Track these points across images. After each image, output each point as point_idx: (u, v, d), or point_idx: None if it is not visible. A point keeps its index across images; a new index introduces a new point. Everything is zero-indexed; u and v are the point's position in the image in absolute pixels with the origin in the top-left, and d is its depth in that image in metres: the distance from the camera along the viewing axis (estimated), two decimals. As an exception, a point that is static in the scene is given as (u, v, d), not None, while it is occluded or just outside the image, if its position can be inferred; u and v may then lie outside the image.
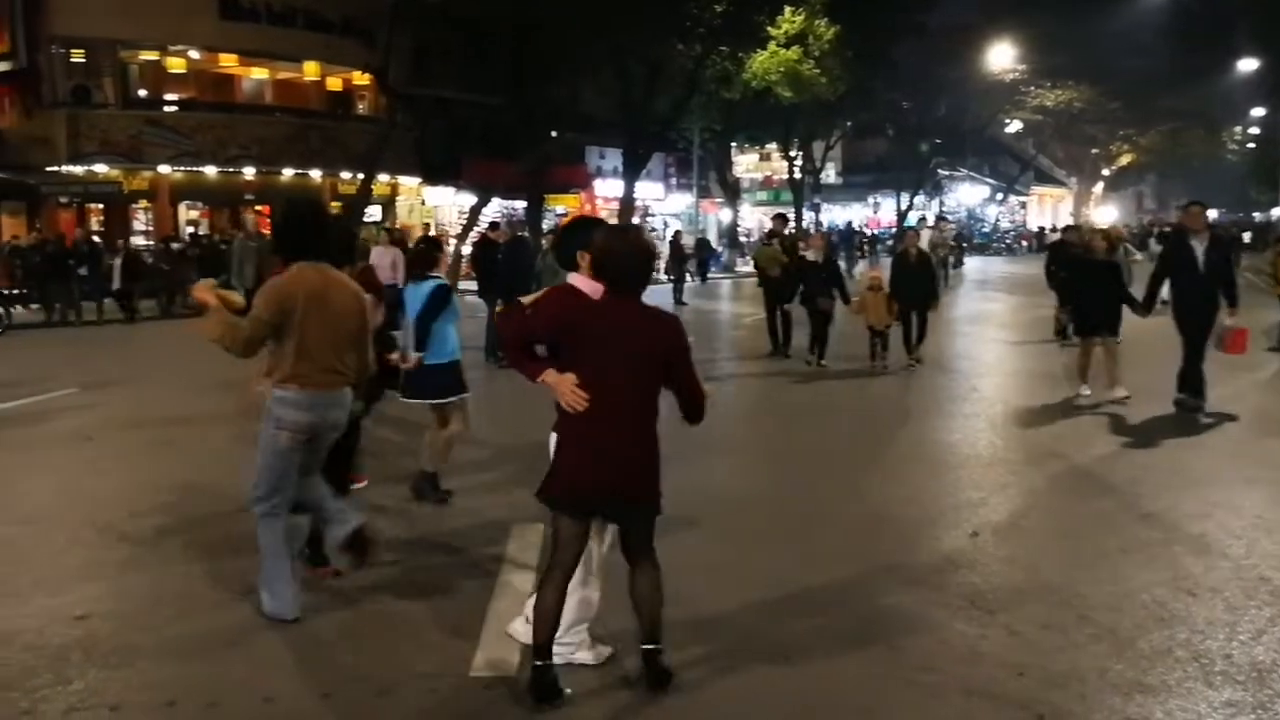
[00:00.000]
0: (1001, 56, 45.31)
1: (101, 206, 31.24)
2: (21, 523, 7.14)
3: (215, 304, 5.17)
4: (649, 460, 4.42)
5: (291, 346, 5.15)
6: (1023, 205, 71.21)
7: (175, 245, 28.05)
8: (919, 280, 14.18)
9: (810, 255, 14.88)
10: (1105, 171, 69.17)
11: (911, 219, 46.79)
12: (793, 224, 39.24)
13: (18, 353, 16.34)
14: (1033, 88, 51.09)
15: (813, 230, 34.52)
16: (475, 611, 5.32)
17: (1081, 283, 11.82)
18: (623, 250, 4.31)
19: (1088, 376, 11.44)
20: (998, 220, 64.23)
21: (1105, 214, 61.90)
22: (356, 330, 5.38)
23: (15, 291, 24.00)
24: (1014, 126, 59.94)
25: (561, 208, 42.39)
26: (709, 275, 38.23)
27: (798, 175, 48.18)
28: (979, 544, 6.47)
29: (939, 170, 57.98)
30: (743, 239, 47.60)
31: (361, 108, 37.53)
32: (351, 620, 5.32)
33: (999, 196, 65.31)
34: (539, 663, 4.31)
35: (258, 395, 5.41)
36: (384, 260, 16.00)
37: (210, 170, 31.68)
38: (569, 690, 4.36)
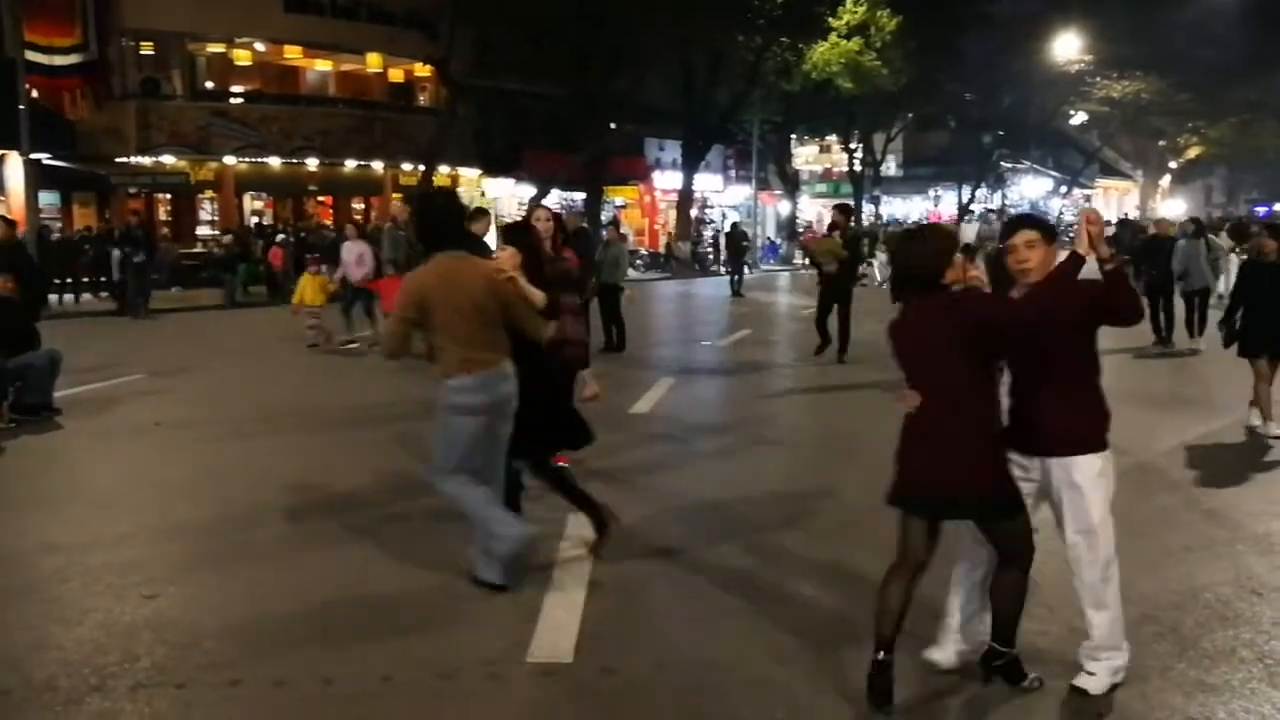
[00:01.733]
0: (1067, 47, 44.53)
1: (169, 197, 31.80)
2: (93, 505, 7.31)
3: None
4: (964, 457, 4.09)
5: (445, 338, 5.34)
6: (1087, 198, 70.05)
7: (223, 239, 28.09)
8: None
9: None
10: (1172, 164, 67.86)
11: (976, 211, 46.28)
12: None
13: (88, 340, 16.67)
14: (1099, 79, 50.16)
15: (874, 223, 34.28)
16: (533, 598, 5.36)
17: (1251, 291, 9.75)
18: (902, 254, 4.32)
19: (1270, 409, 9.53)
20: (1061, 213, 63.33)
21: (1173, 207, 60.69)
22: (491, 309, 5.41)
23: (86, 279, 24.56)
24: (1079, 118, 58.89)
25: (620, 199, 42.47)
26: (766, 268, 38.23)
27: (858, 168, 47.84)
28: (1039, 540, 6.40)
29: (1001, 163, 57.22)
30: (800, 231, 47.38)
31: (423, 99, 37.84)
32: (412, 604, 5.39)
33: (1063, 189, 64.32)
34: (878, 658, 4.17)
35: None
36: (351, 255, 15.68)
37: (274, 161, 32.12)
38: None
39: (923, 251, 4.20)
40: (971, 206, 50.14)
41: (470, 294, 5.36)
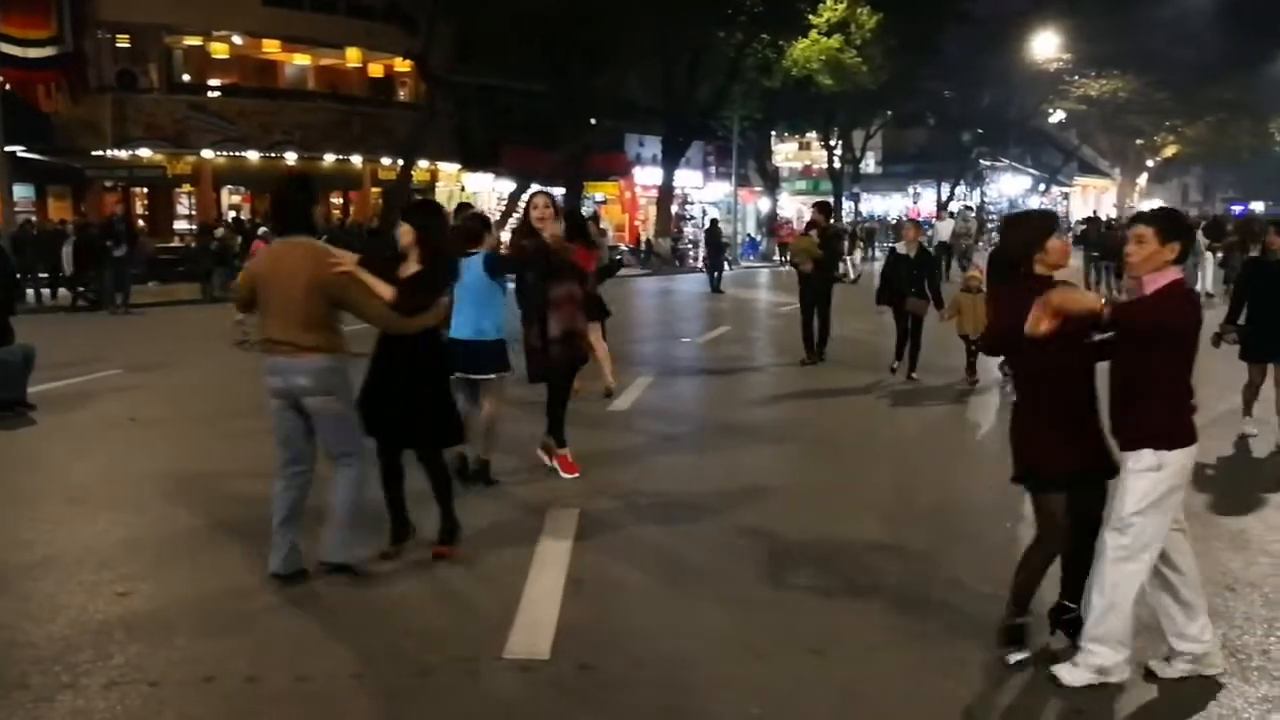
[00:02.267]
0: (1046, 45, 44.79)
1: (146, 191, 31.60)
2: (67, 501, 7.25)
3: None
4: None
5: (261, 319, 5.55)
6: (1065, 196, 70.48)
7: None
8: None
9: (901, 248, 12.95)
10: (1150, 163, 68.33)
11: (952, 209, 46.43)
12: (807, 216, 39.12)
13: (65, 334, 16.55)
14: (1077, 77, 50.48)
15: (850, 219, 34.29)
16: (510, 594, 5.34)
17: (1258, 292, 9.16)
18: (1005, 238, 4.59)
19: (1253, 409, 9.28)
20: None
21: (1150, 205, 61.10)
22: (314, 298, 5.41)
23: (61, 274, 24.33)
24: (1057, 117, 59.24)
25: (600, 195, 42.44)
26: (746, 265, 38.31)
27: (837, 165, 47.93)
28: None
29: (980, 160, 57.48)
30: (780, 225, 47.48)
31: (403, 94, 37.73)
32: (387, 601, 5.36)
33: (1041, 187, 64.65)
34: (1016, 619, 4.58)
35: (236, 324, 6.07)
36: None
37: (253, 155, 31.97)
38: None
39: (1013, 239, 4.55)
40: (950, 205, 50.30)
41: (294, 279, 5.39)
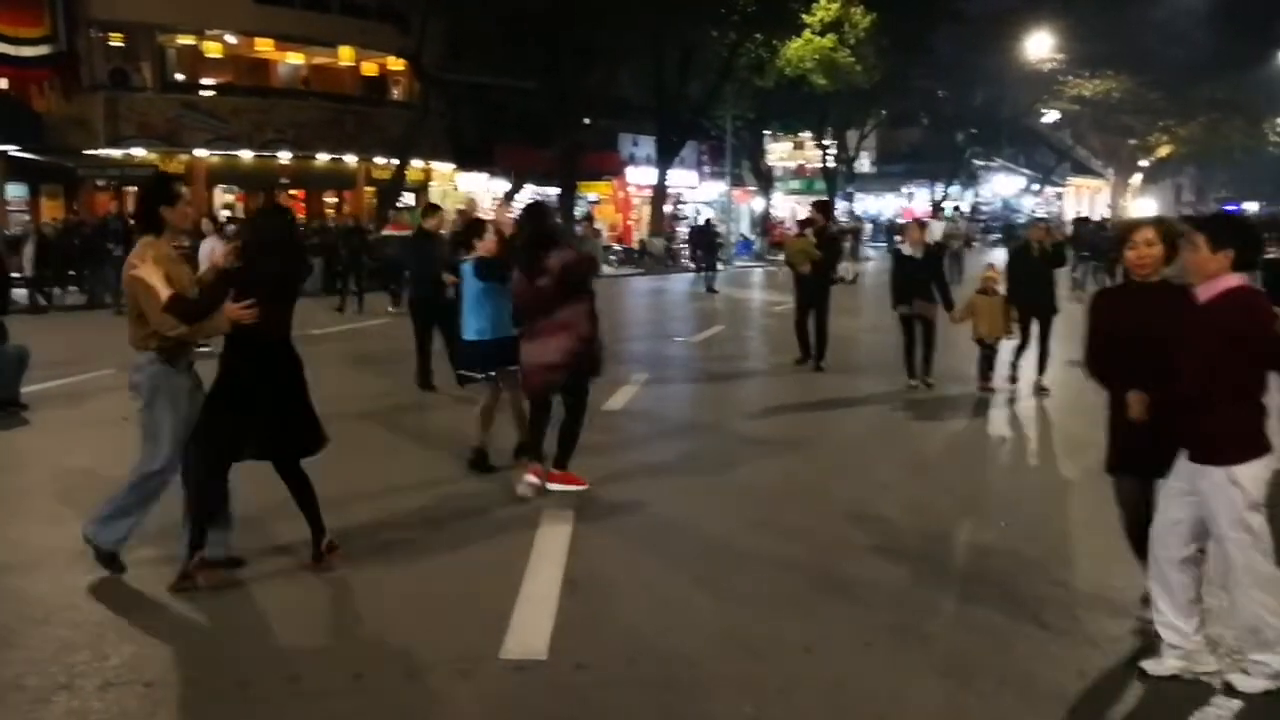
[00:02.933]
0: (1039, 45, 44.80)
1: (138, 189, 31.53)
2: (60, 501, 7.24)
3: None
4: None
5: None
6: (1059, 196, 70.54)
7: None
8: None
9: (906, 249, 12.14)
10: (1143, 163, 68.36)
11: (946, 209, 46.50)
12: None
13: (57, 335, 16.50)
14: (1070, 77, 50.48)
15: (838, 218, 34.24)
16: (506, 594, 5.34)
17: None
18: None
19: None
20: (1033, 211, 63.69)
21: (1143, 206, 61.15)
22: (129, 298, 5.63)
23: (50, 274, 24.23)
24: (1051, 116, 59.24)
25: (594, 194, 42.42)
26: (740, 264, 38.35)
27: (831, 164, 47.96)
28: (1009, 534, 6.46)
29: (974, 160, 57.57)
30: (775, 225, 47.52)
31: (396, 93, 37.67)
32: (381, 602, 5.36)
33: (1035, 187, 64.73)
34: None
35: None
36: (206, 251, 14.09)
37: (246, 154, 31.91)
38: None
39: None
40: (943, 204, 50.36)
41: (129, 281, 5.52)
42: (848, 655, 4.74)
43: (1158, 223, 4.87)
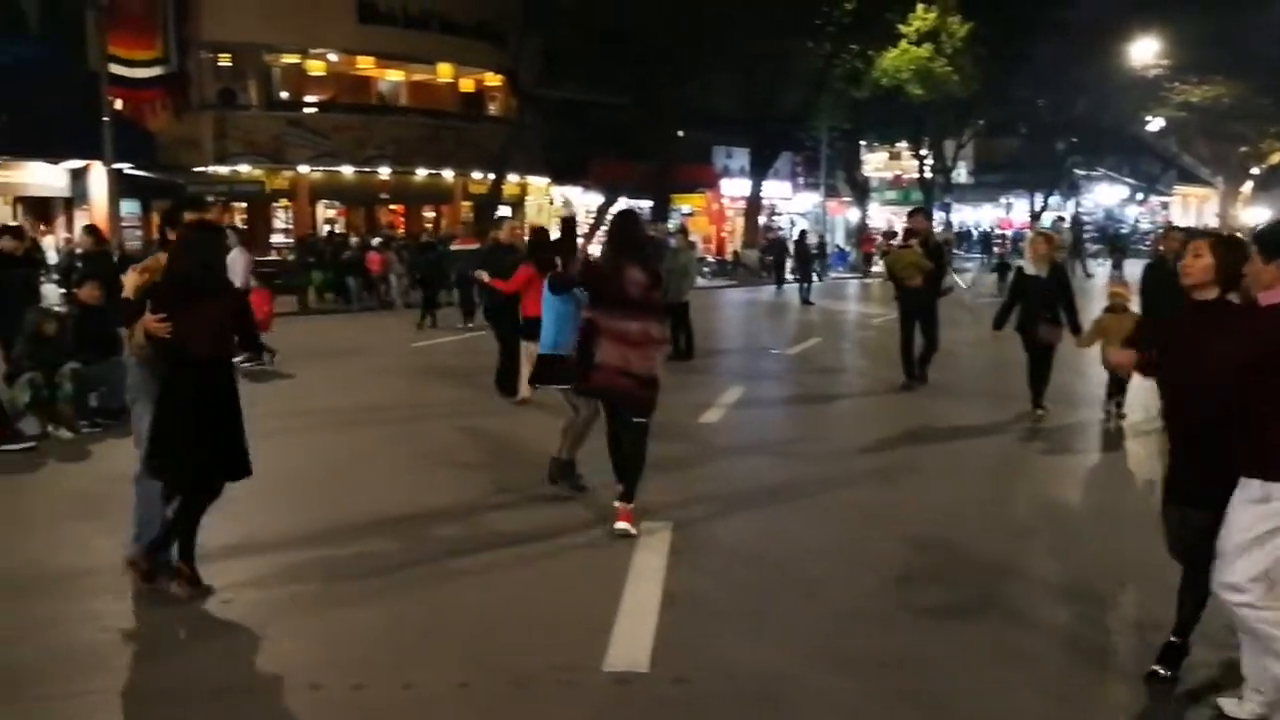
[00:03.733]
0: (1144, 51, 43.74)
1: (245, 205, 32.41)
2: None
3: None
4: None
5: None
6: (1164, 205, 68.73)
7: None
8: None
9: (1029, 267, 10.89)
10: (1254, 170, 66.29)
11: (1045, 220, 45.59)
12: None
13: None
14: (1177, 83, 49.20)
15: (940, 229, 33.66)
16: (606, 607, 5.38)
17: None
18: None
19: None
20: (1137, 221, 62.17)
21: (1255, 215, 59.32)
22: None
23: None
24: (1156, 124, 57.79)
25: (687, 207, 42.51)
26: (835, 276, 38.12)
27: (928, 174, 47.43)
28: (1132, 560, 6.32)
29: (1075, 170, 56.37)
30: (875, 236, 47.06)
31: (493, 109, 38.20)
32: (487, 610, 5.44)
33: (1139, 197, 63.15)
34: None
35: None
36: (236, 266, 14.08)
37: (347, 170, 32.62)
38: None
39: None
40: (1041, 214, 49.43)
41: None
42: (947, 674, 4.68)
43: (1211, 236, 4.68)
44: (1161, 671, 4.43)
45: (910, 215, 13.91)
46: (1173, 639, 4.48)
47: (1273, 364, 3.98)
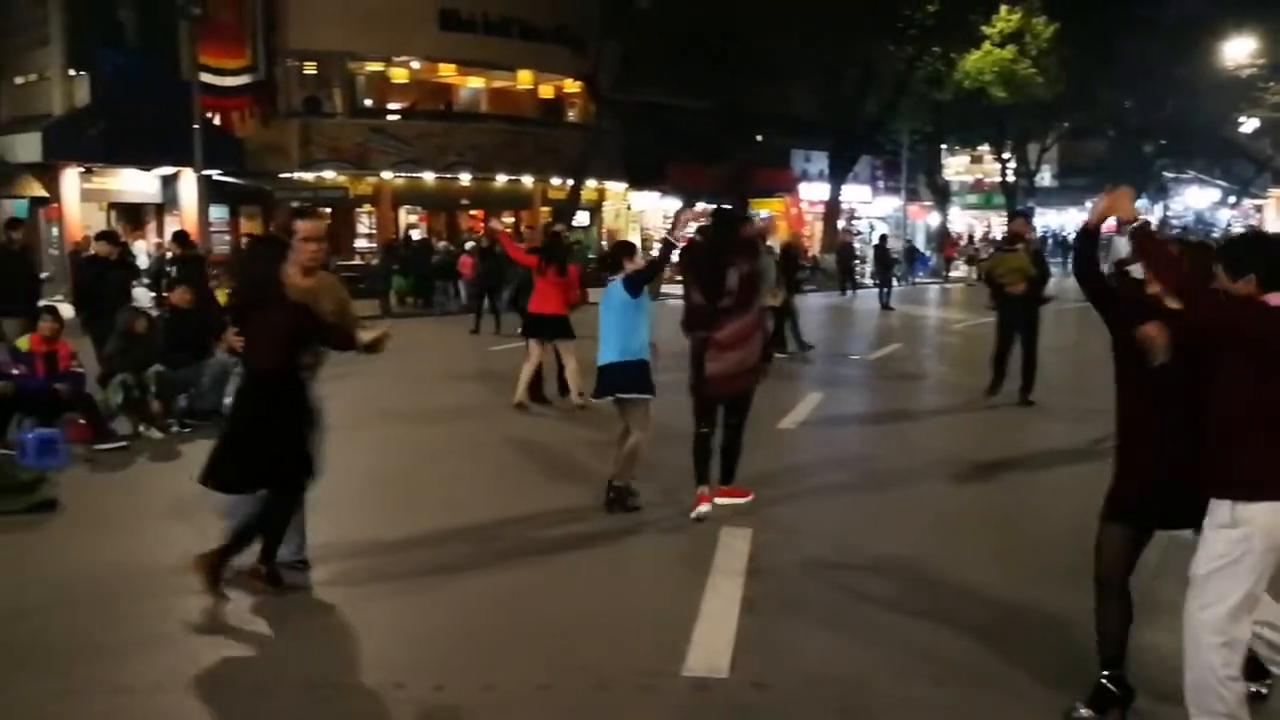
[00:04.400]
0: (1238, 50, 42.58)
1: (329, 210, 32.96)
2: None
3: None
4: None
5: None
6: (1258, 209, 66.88)
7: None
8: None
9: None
10: (1355, 173, 64.22)
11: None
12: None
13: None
14: (1272, 83, 47.84)
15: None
16: (686, 611, 5.38)
17: None
18: None
19: None
20: (1229, 225, 60.56)
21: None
22: None
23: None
24: (1250, 125, 56.24)
25: (766, 211, 42.31)
26: (916, 280, 37.70)
27: (1010, 178, 46.69)
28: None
29: (1164, 173, 55.11)
30: (960, 240, 46.49)
31: (572, 114, 38.38)
32: (566, 613, 5.47)
33: (1231, 200, 61.54)
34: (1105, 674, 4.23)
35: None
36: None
37: (429, 176, 32.99)
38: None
39: None
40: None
41: None
42: (1033, 687, 4.59)
43: (1183, 244, 4.44)
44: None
45: (1011, 218, 13.33)
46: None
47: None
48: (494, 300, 20.44)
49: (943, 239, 46.63)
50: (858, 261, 36.66)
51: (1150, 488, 4.12)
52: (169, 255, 14.96)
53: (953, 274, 42.45)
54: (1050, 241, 49.47)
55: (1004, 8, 35.61)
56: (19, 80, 29.01)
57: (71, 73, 27.36)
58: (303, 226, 5.72)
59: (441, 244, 28.76)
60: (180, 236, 15.68)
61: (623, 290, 7.34)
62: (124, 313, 10.85)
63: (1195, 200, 60.61)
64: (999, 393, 11.98)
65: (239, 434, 5.69)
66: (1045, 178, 51.72)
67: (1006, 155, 46.05)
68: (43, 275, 16.26)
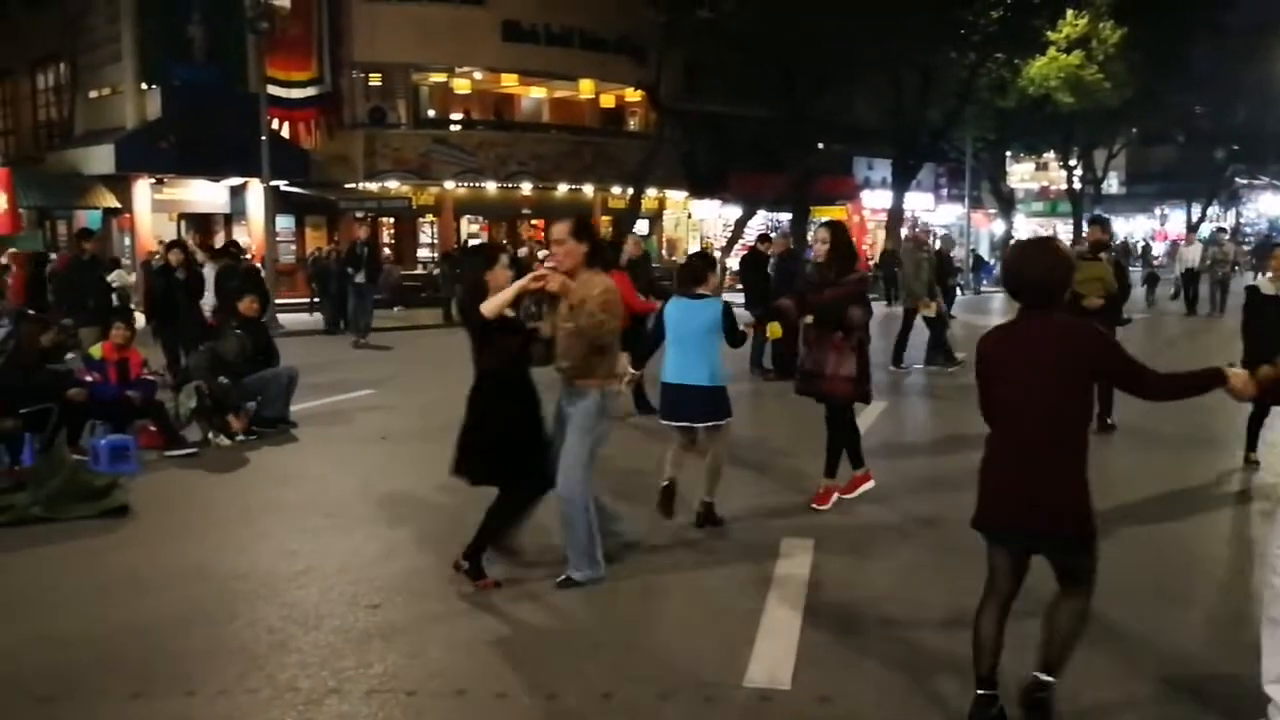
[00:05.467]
0: (1313, 54, 41.66)
1: (393, 220, 33.33)
2: (326, 515, 7.69)
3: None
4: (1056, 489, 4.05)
5: (613, 348, 5.73)
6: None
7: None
8: None
9: (1267, 286, 8.88)
10: None
11: (1203, 231, 43.77)
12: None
13: (322, 356, 17.50)
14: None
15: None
16: (748, 623, 5.35)
17: None
18: (1017, 264, 4.19)
19: None
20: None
21: None
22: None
23: (316, 301, 25.98)
24: (1326, 130, 55.01)
25: (827, 219, 42.06)
26: (981, 289, 37.32)
27: (1077, 185, 46.03)
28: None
29: (1236, 179, 54.01)
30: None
31: (632, 124, 38.51)
32: (629, 623, 5.46)
33: (1306, 207, 60.15)
34: (980, 692, 4.14)
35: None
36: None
37: (490, 186, 33.24)
38: None
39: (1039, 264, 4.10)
40: (1199, 225, 47.48)
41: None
42: (1108, 706, 4.49)
43: None
44: None
45: (1091, 224, 12.21)
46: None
47: None
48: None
49: (1007, 247, 46.07)
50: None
51: None
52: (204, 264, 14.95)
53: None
54: (1123, 247, 48.67)
55: (1070, 13, 35.09)
56: (93, 94, 29.77)
57: (143, 87, 28.02)
58: (553, 229, 6.01)
59: (523, 249, 28.95)
60: (230, 246, 15.85)
61: (711, 311, 7.00)
62: (229, 339, 10.87)
63: (1269, 207, 59.28)
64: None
65: (474, 429, 5.98)
66: (1112, 184, 50.92)
67: (1072, 162, 45.41)
68: (130, 278, 16.63)
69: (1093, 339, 4.02)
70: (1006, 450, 4.10)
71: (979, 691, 4.13)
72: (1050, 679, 4.15)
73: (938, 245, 20.16)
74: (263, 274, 19.21)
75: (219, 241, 29.44)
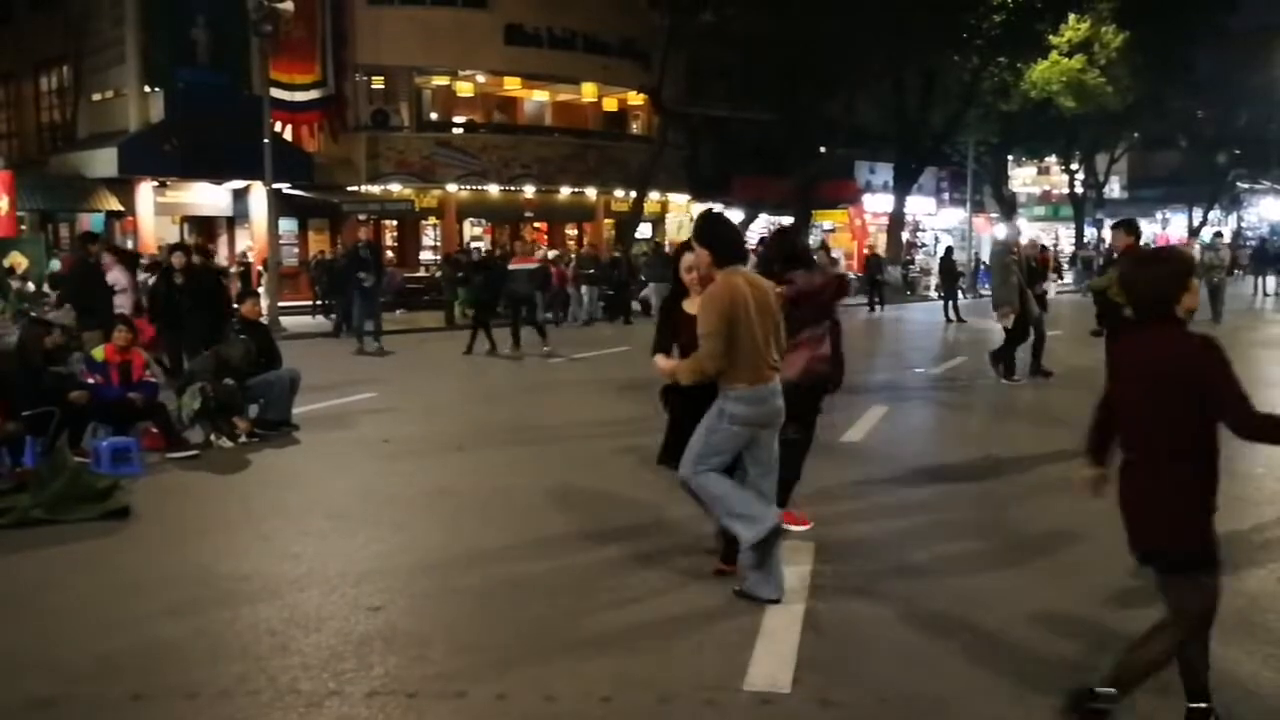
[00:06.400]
0: (1314, 59, 41.71)
1: (395, 223, 33.38)
2: (328, 517, 7.70)
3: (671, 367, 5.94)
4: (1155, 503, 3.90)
5: (737, 349, 5.59)
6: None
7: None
8: None
9: None
10: None
11: (1205, 235, 43.76)
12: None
13: (324, 360, 17.51)
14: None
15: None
16: (750, 623, 5.36)
17: None
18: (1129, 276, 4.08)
19: None
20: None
21: None
22: (776, 325, 5.82)
23: (319, 303, 26.03)
24: (1328, 135, 55.02)
25: (829, 223, 42.15)
26: (982, 293, 37.16)
27: (1079, 190, 46.03)
28: None
29: (1238, 184, 54.00)
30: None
31: (636, 127, 38.57)
32: (629, 626, 5.46)
33: (1307, 211, 60.14)
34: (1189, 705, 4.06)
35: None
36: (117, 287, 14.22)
37: (493, 189, 33.30)
38: None
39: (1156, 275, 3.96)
40: (1200, 230, 47.47)
41: (765, 309, 5.71)
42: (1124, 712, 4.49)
43: None
44: None
45: (1115, 228, 11.97)
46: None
47: None
48: (486, 318, 19.59)
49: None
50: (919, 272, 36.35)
51: None
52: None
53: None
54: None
55: (1072, 17, 35.12)
56: (96, 97, 29.82)
57: (146, 90, 28.07)
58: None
59: (541, 252, 28.87)
60: (200, 250, 15.88)
61: None
62: (231, 344, 10.89)
63: (1270, 211, 59.28)
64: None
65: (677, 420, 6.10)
66: (1114, 189, 50.92)
67: (1075, 166, 45.41)
68: (141, 279, 16.58)
69: (1196, 354, 3.81)
70: (1123, 461, 4.02)
71: (1187, 705, 4.06)
72: (1107, 690, 3.97)
73: (941, 251, 19.51)
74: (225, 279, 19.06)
75: (221, 244, 29.58)
